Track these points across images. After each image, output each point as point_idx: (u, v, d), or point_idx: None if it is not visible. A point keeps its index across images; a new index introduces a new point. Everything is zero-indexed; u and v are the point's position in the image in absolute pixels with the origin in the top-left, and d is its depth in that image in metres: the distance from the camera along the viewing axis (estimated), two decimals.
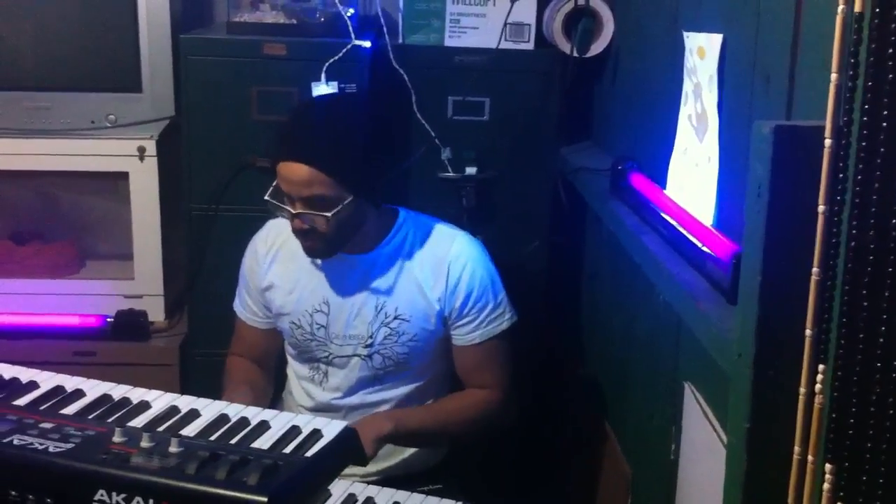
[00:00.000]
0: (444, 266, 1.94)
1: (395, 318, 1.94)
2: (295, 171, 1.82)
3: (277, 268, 2.00)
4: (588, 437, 2.39)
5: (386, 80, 2.41)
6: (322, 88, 2.34)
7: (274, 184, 1.88)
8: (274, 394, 2.13)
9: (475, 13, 2.46)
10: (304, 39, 2.39)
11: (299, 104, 2.01)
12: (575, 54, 2.37)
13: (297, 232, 1.88)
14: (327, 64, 2.32)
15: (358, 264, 1.93)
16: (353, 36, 2.35)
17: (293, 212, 1.84)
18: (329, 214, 1.81)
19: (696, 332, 1.38)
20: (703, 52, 1.60)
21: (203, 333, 2.44)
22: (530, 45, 2.46)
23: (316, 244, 1.88)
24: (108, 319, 2.49)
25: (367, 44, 2.37)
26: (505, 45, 2.44)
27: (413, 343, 1.95)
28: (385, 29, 2.44)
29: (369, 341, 1.96)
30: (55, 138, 2.48)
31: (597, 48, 2.40)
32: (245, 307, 2.08)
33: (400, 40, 2.47)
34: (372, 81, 2.38)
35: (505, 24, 2.43)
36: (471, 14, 2.46)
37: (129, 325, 2.48)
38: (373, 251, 1.94)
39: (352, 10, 2.42)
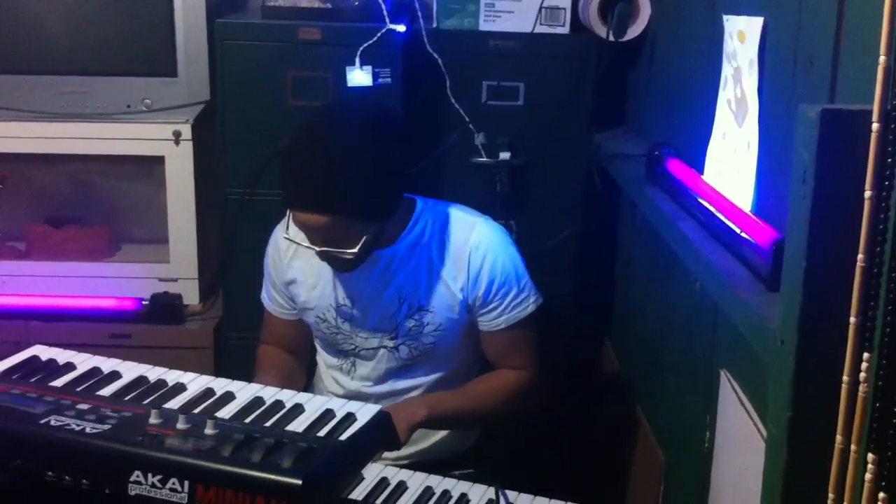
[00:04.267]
0: (465, 255, 1.91)
1: (419, 309, 1.93)
2: (310, 219, 1.76)
3: (299, 263, 1.98)
4: (620, 424, 2.38)
5: (420, 64, 2.40)
6: (356, 73, 2.34)
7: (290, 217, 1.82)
8: (306, 380, 2.13)
9: None
10: (339, 24, 2.38)
11: (301, 136, 1.80)
12: (611, 39, 2.35)
13: (322, 258, 1.85)
14: (361, 48, 2.32)
15: (379, 258, 1.90)
16: (387, 20, 2.34)
17: (316, 249, 1.80)
18: (353, 251, 1.78)
19: (734, 320, 1.36)
20: (742, 35, 1.58)
21: (237, 317, 2.45)
22: (566, 30, 2.44)
23: (342, 266, 1.86)
24: (144, 302, 2.51)
25: (402, 28, 2.36)
26: (540, 29, 2.43)
27: (439, 333, 1.94)
28: (420, 13, 2.43)
29: (394, 333, 1.95)
30: (91, 122, 2.49)
31: (633, 32, 2.37)
32: (272, 299, 2.07)
33: (434, 25, 2.46)
34: (406, 66, 2.37)
35: (540, 9, 2.41)
36: None
37: (164, 308, 2.49)
38: (393, 244, 1.91)
39: None
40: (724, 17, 1.65)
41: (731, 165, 1.64)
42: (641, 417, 2.24)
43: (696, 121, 1.81)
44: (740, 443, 1.50)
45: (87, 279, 2.56)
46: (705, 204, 1.65)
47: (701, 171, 1.76)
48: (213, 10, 2.48)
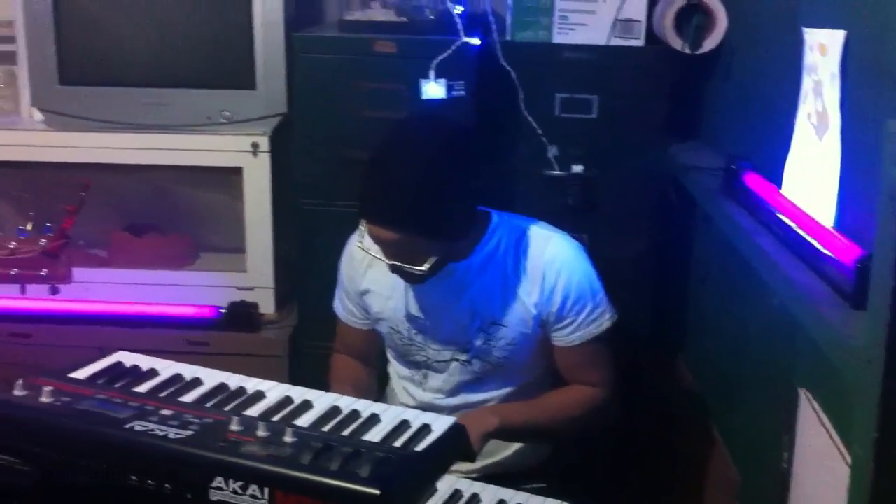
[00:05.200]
0: (539, 270, 1.90)
1: (492, 323, 1.92)
2: (382, 234, 1.78)
3: (374, 273, 1.99)
4: (693, 441, 2.35)
5: (493, 77, 2.41)
6: (431, 86, 2.36)
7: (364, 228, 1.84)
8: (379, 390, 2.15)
9: (584, 9, 2.44)
10: (414, 37, 2.40)
11: (382, 151, 1.80)
12: (687, 51, 2.33)
13: (393, 271, 1.86)
14: (436, 61, 2.34)
15: (453, 271, 1.90)
16: (462, 34, 2.36)
17: (387, 262, 1.82)
18: (424, 268, 1.78)
19: (816, 338, 1.34)
20: (824, 48, 1.56)
21: (312, 326, 2.48)
22: (640, 42, 2.43)
23: (413, 279, 1.87)
24: (221, 310, 2.56)
25: (476, 41, 2.37)
26: (614, 41, 2.42)
27: (512, 347, 1.94)
28: (493, 26, 2.44)
29: (466, 347, 1.95)
30: (172, 133, 2.56)
31: (709, 45, 2.36)
32: (345, 309, 2.09)
33: (508, 37, 2.47)
34: (479, 79, 2.38)
35: (615, 21, 2.41)
36: (580, 10, 2.44)
37: (241, 316, 2.54)
38: (467, 257, 1.91)
39: (461, 8, 2.42)
40: (805, 30, 1.63)
41: (811, 180, 1.61)
42: (716, 435, 2.21)
43: (775, 134, 1.79)
44: (821, 464, 1.48)
45: (167, 287, 2.62)
46: (784, 219, 1.63)
47: (779, 185, 1.74)
48: (291, 23, 2.53)
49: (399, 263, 1.80)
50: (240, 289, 2.59)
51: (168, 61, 2.56)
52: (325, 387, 1.79)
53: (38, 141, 2.59)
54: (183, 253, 2.77)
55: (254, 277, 2.59)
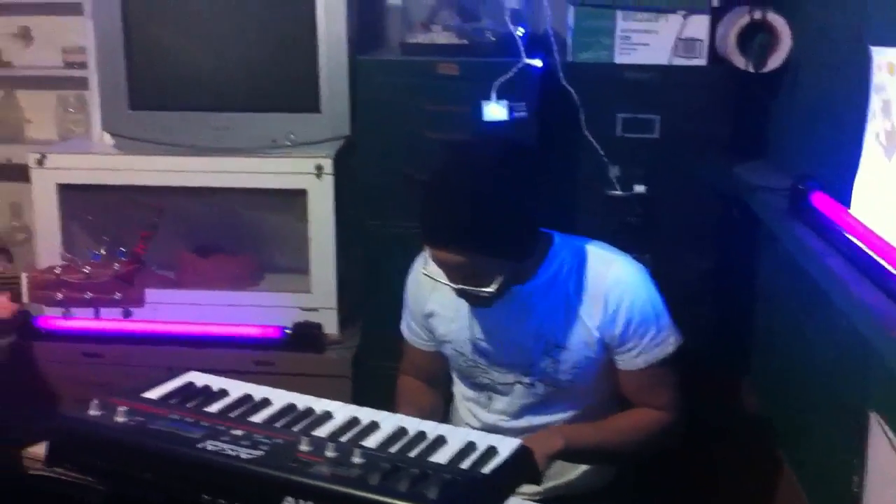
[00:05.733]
0: (602, 293, 1.89)
1: (556, 346, 1.92)
2: (447, 257, 1.78)
3: (438, 296, 1.99)
4: (760, 465, 2.32)
5: (554, 97, 2.42)
6: (492, 107, 2.37)
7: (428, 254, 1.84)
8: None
9: (646, 29, 2.44)
10: (476, 59, 2.43)
11: (442, 173, 1.79)
12: (751, 70, 2.31)
13: (459, 295, 1.86)
14: (498, 83, 2.35)
15: (516, 294, 1.89)
16: (523, 55, 2.38)
17: (453, 286, 1.83)
18: (491, 289, 1.78)
19: (888, 361, 1.32)
20: (892, 67, 1.54)
21: (375, 346, 2.51)
22: (703, 61, 2.42)
23: (478, 302, 1.88)
24: (286, 331, 2.60)
25: (538, 63, 2.38)
26: (676, 61, 2.41)
27: (576, 370, 1.93)
28: (554, 47, 2.45)
29: (530, 370, 1.94)
30: (238, 157, 2.61)
31: (773, 63, 2.34)
32: (411, 330, 2.11)
33: (569, 58, 2.47)
34: (541, 99, 2.39)
35: (677, 41, 2.40)
36: (641, 31, 2.44)
37: (305, 336, 2.57)
38: (530, 280, 1.90)
39: (522, 30, 2.44)
40: (872, 49, 1.61)
41: (880, 200, 1.59)
42: (783, 459, 2.18)
43: (842, 153, 1.77)
44: (893, 488, 1.45)
45: (233, 307, 2.67)
46: (854, 240, 1.61)
47: (847, 205, 1.72)
48: (354, 47, 2.56)
49: (465, 287, 1.81)
50: (304, 309, 2.63)
51: (234, 86, 2.62)
52: (388, 407, 1.81)
53: (108, 165, 2.67)
54: (248, 274, 2.81)
55: (318, 298, 2.62)
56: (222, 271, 2.79)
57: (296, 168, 2.57)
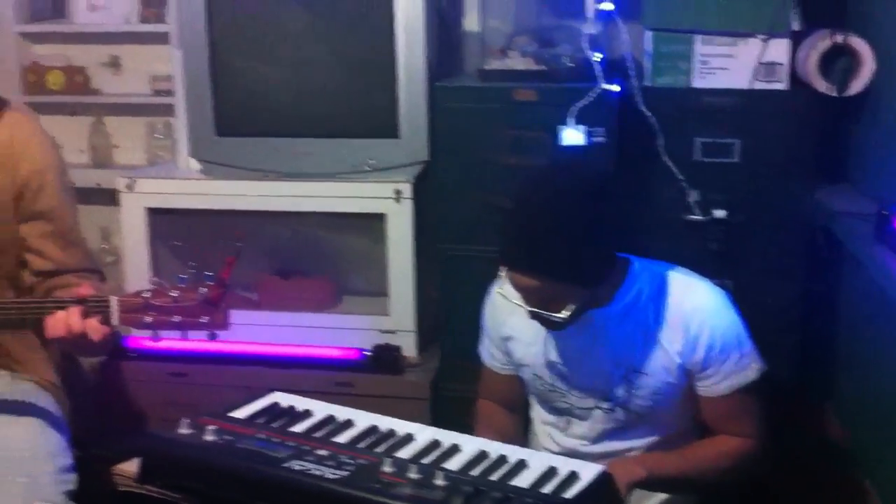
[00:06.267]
0: (683, 319, 1.88)
1: (635, 371, 1.91)
2: (523, 281, 1.79)
3: (517, 320, 1.99)
4: (844, 493, 2.27)
5: (632, 122, 2.43)
6: (570, 133, 2.39)
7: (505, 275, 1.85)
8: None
9: (725, 54, 2.43)
10: (554, 85, 2.44)
11: (521, 198, 1.80)
12: (833, 94, 2.29)
13: (533, 318, 1.87)
14: (575, 108, 2.37)
15: (594, 318, 1.89)
16: (601, 80, 2.39)
17: (527, 309, 1.83)
18: (564, 315, 1.79)
19: None
20: None
21: (454, 370, 2.52)
22: (784, 85, 2.40)
23: (553, 326, 1.88)
24: (365, 352, 2.63)
25: (617, 88, 2.39)
26: (757, 85, 2.40)
27: (656, 396, 1.91)
28: (632, 72, 2.45)
29: (608, 395, 1.93)
30: (318, 181, 2.66)
31: (856, 87, 2.31)
32: (489, 355, 2.11)
33: (646, 82, 2.48)
34: (619, 124, 2.40)
35: (757, 65, 2.39)
36: (721, 55, 2.43)
37: (384, 358, 2.60)
38: (608, 304, 1.90)
39: (600, 55, 2.45)
40: None
41: None
42: (869, 488, 2.13)
43: None
44: None
45: (313, 329, 2.72)
46: None
47: None
48: (433, 74, 2.60)
49: (539, 311, 1.82)
50: (383, 332, 2.66)
51: (316, 113, 2.68)
52: (466, 430, 1.82)
53: (195, 189, 2.74)
54: (327, 296, 2.86)
55: (396, 321, 2.65)
56: (302, 293, 2.84)
57: (375, 192, 2.61)
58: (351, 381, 2.59)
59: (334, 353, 2.66)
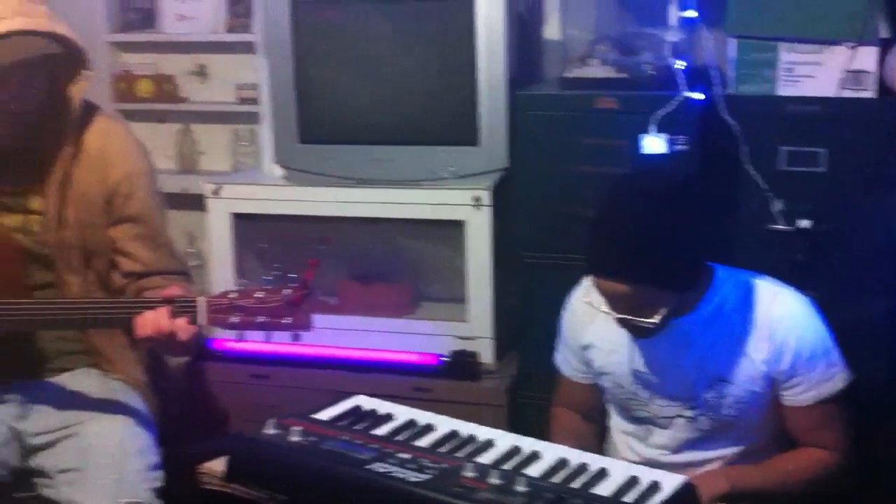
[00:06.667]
0: (768, 327, 1.86)
1: (719, 380, 1.89)
2: (613, 287, 1.79)
3: (597, 327, 2.00)
4: None
5: (714, 130, 2.40)
6: (652, 141, 2.37)
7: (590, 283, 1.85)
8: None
9: (810, 61, 2.39)
10: (635, 93, 2.43)
11: (611, 204, 1.82)
12: None
13: (621, 325, 1.87)
14: (658, 116, 2.35)
15: (678, 326, 1.88)
16: (683, 88, 2.37)
17: (616, 316, 1.83)
18: (655, 320, 1.79)
19: None
20: None
21: (531, 378, 2.53)
22: (871, 93, 2.35)
23: (640, 333, 1.88)
24: (443, 358, 2.65)
25: (700, 96, 2.37)
26: (844, 93, 2.35)
27: (740, 405, 1.89)
28: (715, 80, 2.43)
29: (692, 403, 1.92)
30: (398, 188, 2.69)
31: None
32: (566, 363, 2.11)
33: (730, 90, 2.45)
34: (701, 132, 2.38)
35: (844, 73, 2.34)
36: (806, 63, 2.39)
37: (461, 364, 2.61)
38: (692, 312, 1.89)
39: (683, 63, 2.43)
40: None
41: None
42: None
43: None
44: None
45: (390, 334, 2.74)
46: None
47: None
48: (513, 82, 2.61)
49: (628, 317, 1.82)
50: (460, 338, 2.67)
51: (397, 120, 2.71)
52: (543, 438, 1.81)
53: (279, 195, 2.79)
54: (405, 302, 2.88)
55: (474, 327, 2.66)
56: (380, 299, 2.87)
57: (455, 199, 2.63)
58: (428, 386, 2.61)
59: (412, 358, 2.68)
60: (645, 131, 2.37)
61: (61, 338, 2.04)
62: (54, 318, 1.88)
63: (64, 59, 1.92)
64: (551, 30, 2.94)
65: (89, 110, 2.03)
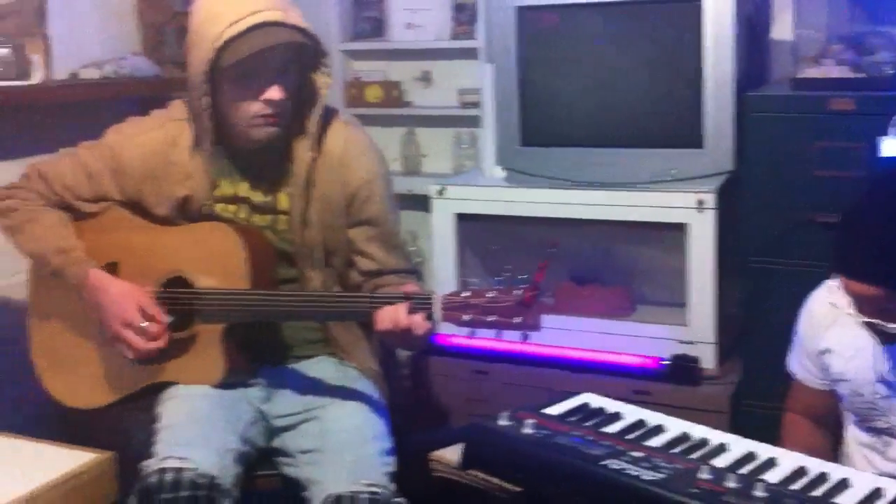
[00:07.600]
0: None
1: None
2: (864, 290, 1.75)
3: (836, 332, 1.94)
4: None
5: None
6: (891, 144, 2.27)
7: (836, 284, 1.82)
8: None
9: None
10: (874, 93, 2.34)
11: (864, 206, 1.79)
12: None
13: (866, 328, 1.82)
14: None
15: None
16: None
17: (863, 319, 1.78)
18: None
19: None
20: None
21: (756, 385, 2.48)
22: None
23: (887, 339, 1.80)
24: (664, 362, 2.63)
25: None
26: None
27: None
28: None
29: None
30: (620, 190, 2.70)
31: None
32: (802, 368, 2.06)
33: None
34: None
35: None
36: None
37: (682, 369, 2.59)
38: None
39: None
40: None
41: None
42: None
43: None
44: None
45: (608, 335, 2.75)
46: None
47: None
48: (741, 84, 2.57)
49: (876, 321, 1.76)
50: (680, 342, 2.64)
51: (619, 123, 2.72)
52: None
53: (501, 196, 2.86)
54: (622, 304, 2.88)
55: (695, 332, 2.63)
56: (598, 300, 2.88)
57: (677, 202, 2.61)
58: (648, 389, 2.60)
59: (632, 360, 2.67)
60: (884, 133, 2.27)
61: (304, 327, 2.18)
62: (306, 308, 1.99)
63: (311, 54, 2.04)
64: (781, 30, 2.87)
65: (329, 114, 2.15)
